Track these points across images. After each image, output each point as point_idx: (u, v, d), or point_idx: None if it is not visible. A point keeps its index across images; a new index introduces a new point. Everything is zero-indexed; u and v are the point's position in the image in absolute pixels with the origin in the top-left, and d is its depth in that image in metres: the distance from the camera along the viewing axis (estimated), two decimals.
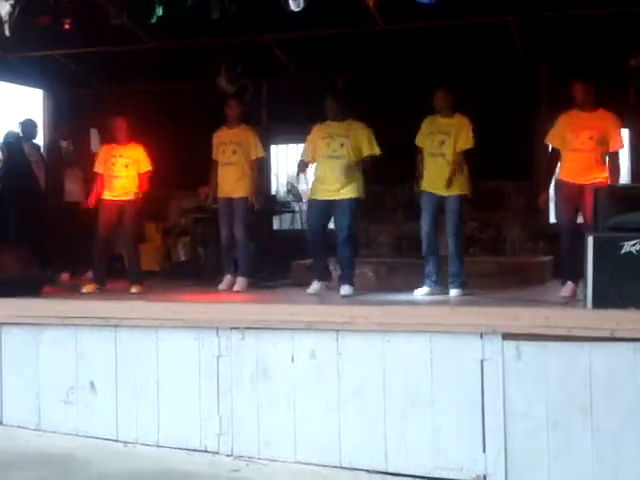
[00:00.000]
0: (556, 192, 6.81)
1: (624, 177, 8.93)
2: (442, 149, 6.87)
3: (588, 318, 4.86)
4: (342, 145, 6.77)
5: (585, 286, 5.24)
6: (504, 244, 9.47)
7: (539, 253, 9.07)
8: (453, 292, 6.77)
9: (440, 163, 6.86)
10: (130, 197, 7.52)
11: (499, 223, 9.49)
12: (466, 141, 6.86)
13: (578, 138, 6.42)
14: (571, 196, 6.39)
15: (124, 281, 7.58)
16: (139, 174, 7.59)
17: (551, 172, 6.78)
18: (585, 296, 5.22)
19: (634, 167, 8.98)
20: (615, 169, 6.43)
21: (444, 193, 6.87)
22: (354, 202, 6.79)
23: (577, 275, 6.12)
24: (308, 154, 6.97)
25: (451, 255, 6.91)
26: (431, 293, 6.80)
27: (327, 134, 6.86)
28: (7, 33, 6.42)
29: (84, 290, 7.28)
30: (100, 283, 7.46)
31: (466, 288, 6.76)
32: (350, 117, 6.88)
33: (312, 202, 6.99)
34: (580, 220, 6.48)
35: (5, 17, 6.30)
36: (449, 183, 6.72)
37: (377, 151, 6.85)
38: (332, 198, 6.77)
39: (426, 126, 7.00)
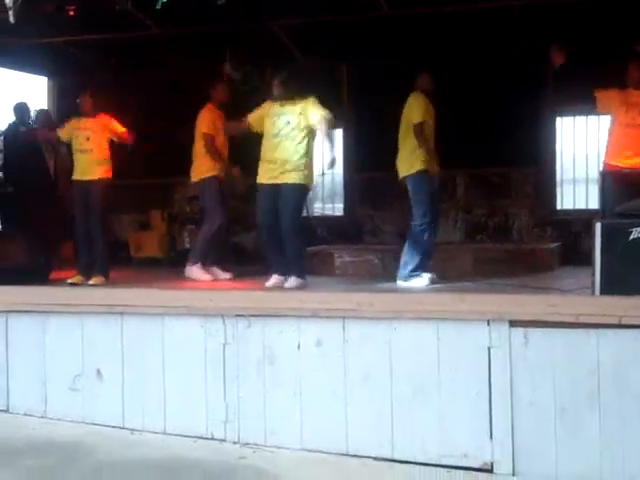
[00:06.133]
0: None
1: None
2: None
3: (596, 305, 4.83)
4: None
5: (593, 272, 5.22)
6: (511, 231, 9.46)
7: (547, 240, 9.05)
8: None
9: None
10: (96, 177, 7.41)
11: (506, 210, 9.47)
12: None
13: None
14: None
15: (129, 269, 7.55)
16: (117, 137, 7.53)
17: None
18: (593, 283, 5.20)
19: None
20: None
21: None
22: None
23: None
24: None
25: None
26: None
27: None
28: (12, 20, 6.39)
29: (69, 280, 7.20)
30: (83, 274, 7.33)
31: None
32: None
33: None
34: None
35: (10, 4, 6.27)
36: None
37: None
38: None
39: (425, 106, 7.04)
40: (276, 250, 6.78)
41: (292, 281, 6.68)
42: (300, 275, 6.72)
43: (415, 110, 6.96)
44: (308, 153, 6.76)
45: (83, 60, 9.92)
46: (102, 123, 7.55)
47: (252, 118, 6.98)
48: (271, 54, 9.05)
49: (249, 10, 7.76)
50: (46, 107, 10.58)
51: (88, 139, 7.48)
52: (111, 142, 7.57)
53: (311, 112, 6.66)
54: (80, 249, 7.50)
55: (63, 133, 7.73)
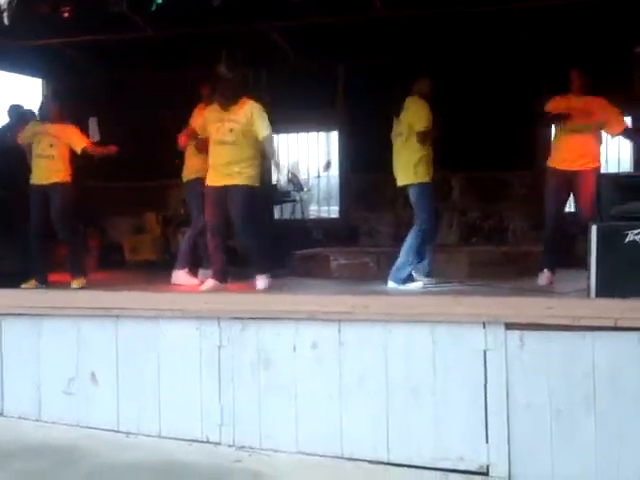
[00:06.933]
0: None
1: (627, 166, 8.94)
2: None
3: (591, 307, 4.83)
4: None
5: (588, 275, 5.22)
6: (506, 233, 9.46)
7: (542, 242, 9.04)
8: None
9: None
10: (56, 180, 7.30)
11: (501, 212, 9.48)
12: None
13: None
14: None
15: (122, 272, 7.51)
16: (82, 151, 7.35)
17: None
18: (588, 285, 5.20)
19: (637, 155, 8.96)
20: None
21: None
22: None
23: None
24: None
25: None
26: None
27: None
28: (6, 22, 6.37)
29: (23, 286, 7.05)
30: (39, 280, 7.23)
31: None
32: None
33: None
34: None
35: (4, 5, 6.25)
36: None
37: None
38: None
39: (428, 112, 6.96)
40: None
41: (260, 282, 6.74)
42: (266, 273, 6.80)
43: (417, 116, 6.83)
44: (253, 155, 6.79)
45: (78, 62, 9.90)
46: (65, 133, 7.40)
47: (196, 125, 6.99)
48: (266, 55, 9.07)
49: (244, 12, 7.75)
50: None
51: (51, 145, 7.34)
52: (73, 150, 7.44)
53: (257, 126, 6.68)
54: (34, 254, 7.33)
55: (22, 138, 7.59)
